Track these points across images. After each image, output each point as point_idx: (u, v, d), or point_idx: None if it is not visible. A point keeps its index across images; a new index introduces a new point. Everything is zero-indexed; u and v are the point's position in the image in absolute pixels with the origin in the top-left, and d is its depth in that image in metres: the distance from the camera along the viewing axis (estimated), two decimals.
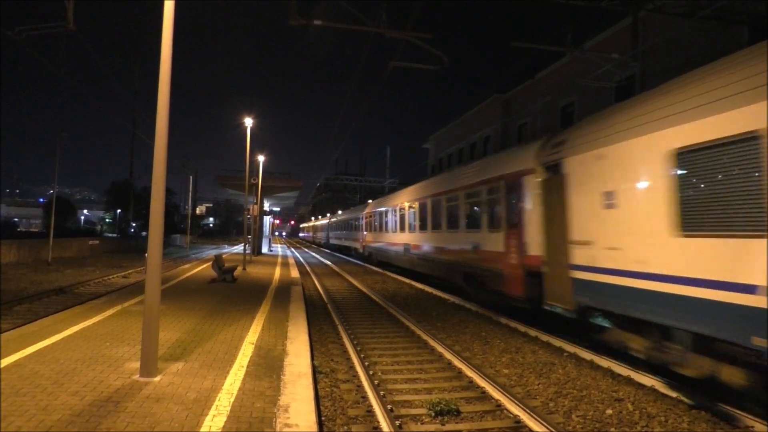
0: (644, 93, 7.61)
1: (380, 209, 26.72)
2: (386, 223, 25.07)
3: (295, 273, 21.21)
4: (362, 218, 32.72)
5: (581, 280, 8.23)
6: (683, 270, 6.01)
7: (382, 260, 26.57)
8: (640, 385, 6.96)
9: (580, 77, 17.90)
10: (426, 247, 18.20)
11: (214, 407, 4.91)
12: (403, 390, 6.75)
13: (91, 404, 4.85)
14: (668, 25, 16.02)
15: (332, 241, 52.95)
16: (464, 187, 14.33)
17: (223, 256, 22.50)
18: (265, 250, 41.01)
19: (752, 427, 5.53)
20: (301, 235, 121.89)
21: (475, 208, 13.65)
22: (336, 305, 13.77)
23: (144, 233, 51.85)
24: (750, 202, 5.16)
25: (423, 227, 18.56)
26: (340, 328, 10.46)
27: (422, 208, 18.54)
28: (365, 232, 31.57)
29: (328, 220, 60.72)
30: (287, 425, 4.56)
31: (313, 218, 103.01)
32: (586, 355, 8.45)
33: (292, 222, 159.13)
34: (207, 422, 4.53)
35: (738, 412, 5.76)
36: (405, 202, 21.53)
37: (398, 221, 22.53)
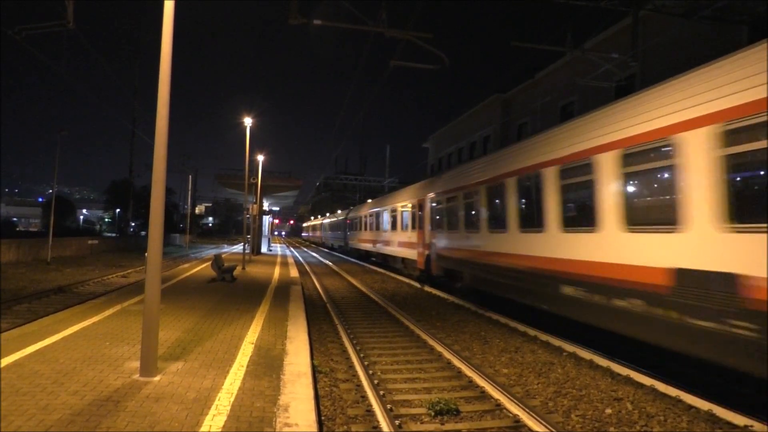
0: None
1: (498, 179, 11.38)
2: (522, 209, 10.43)
3: (294, 272, 21.21)
4: (428, 203, 17.56)
5: None
6: None
7: (487, 289, 12.29)
8: (640, 385, 6.97)
9: (580, 77, 17.93)
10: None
11: (214, 407, 4.91)
12: (402, 389, 6.75)
13: (91, 404, 4.86)
14: (668, 25, 16.02)
15: (352, 245, 37.14)
16: None
17: (223, 255, 22.52)
18: (264, 249, 41.02)
19: (751, 426, 5.53)
20: (303, 235, 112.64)
21: None
22: (335, 305, 13.78)
23: (143, 232, 51.88)
24: None
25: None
26: (340, 328, 10.47)
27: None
28: (437, 233, 16.32)
29: (345, 216, 42.33)
30: (287, 425, 4.57)
31: (312, 217, 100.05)
32: (586, 354, 8.46)
33: (292, 221, 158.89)
34: (207, 422, 4.54)
35: (737, 411, 5.77)
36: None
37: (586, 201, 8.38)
